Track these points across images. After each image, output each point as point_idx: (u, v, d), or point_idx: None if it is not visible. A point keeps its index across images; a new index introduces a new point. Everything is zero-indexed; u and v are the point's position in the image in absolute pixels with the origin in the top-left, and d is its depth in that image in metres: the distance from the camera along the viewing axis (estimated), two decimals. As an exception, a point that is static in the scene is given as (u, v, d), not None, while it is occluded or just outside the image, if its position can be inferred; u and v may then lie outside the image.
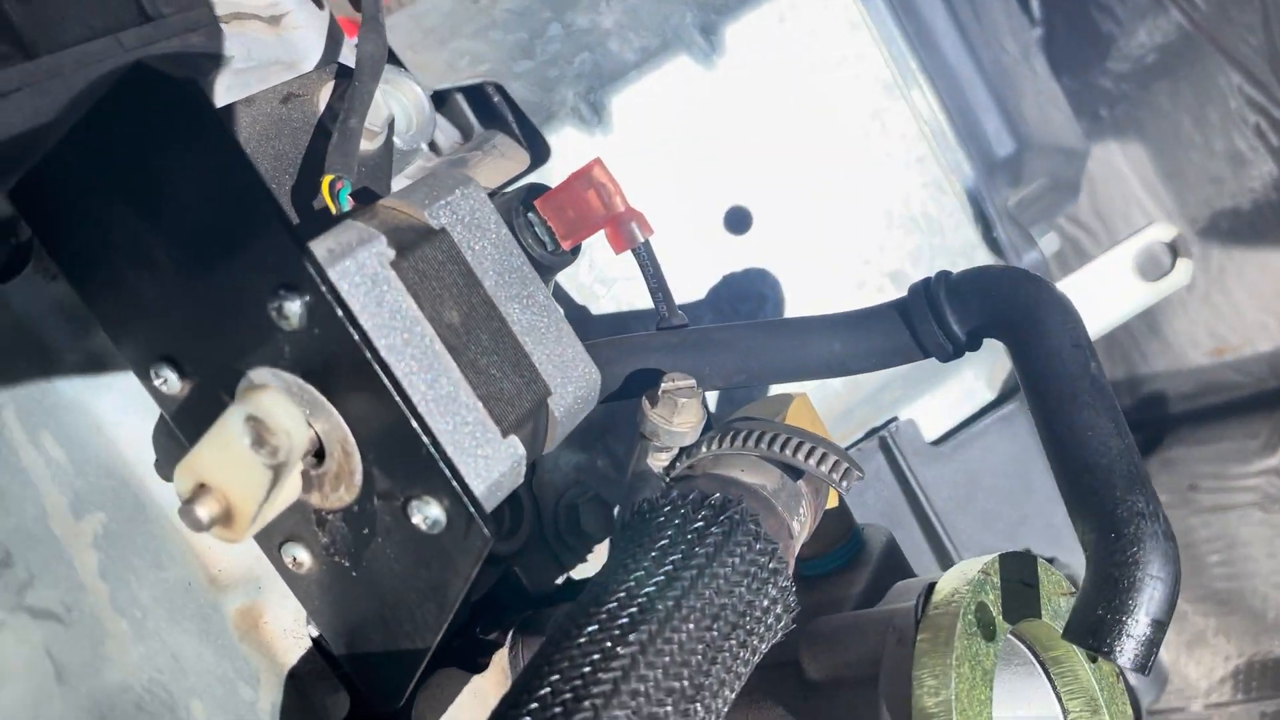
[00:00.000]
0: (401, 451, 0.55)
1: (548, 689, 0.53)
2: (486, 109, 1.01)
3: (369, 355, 0.53)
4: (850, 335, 0.73)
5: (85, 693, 0.49)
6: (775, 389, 0.84)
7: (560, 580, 0.93)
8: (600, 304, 0.96)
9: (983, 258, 1.03)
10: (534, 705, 0.52)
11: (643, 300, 0.98)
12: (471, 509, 0.55)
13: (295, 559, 0.63)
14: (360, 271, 0.55)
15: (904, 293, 0.74)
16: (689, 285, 0.98)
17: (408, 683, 0.65)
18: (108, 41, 0.72)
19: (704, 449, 0.70)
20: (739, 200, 1.00)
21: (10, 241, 0.69)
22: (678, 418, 0.68)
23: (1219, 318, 1.78)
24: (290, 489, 0.55)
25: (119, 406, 0.65)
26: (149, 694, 0.53)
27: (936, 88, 1.00)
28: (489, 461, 0.58)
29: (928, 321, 0.71)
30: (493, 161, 0.98)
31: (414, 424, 0.54)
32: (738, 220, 1.00)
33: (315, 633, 0.72)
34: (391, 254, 0.57)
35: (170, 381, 0.60)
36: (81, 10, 0.74)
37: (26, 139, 0.68)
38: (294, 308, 0.53)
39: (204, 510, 0.52)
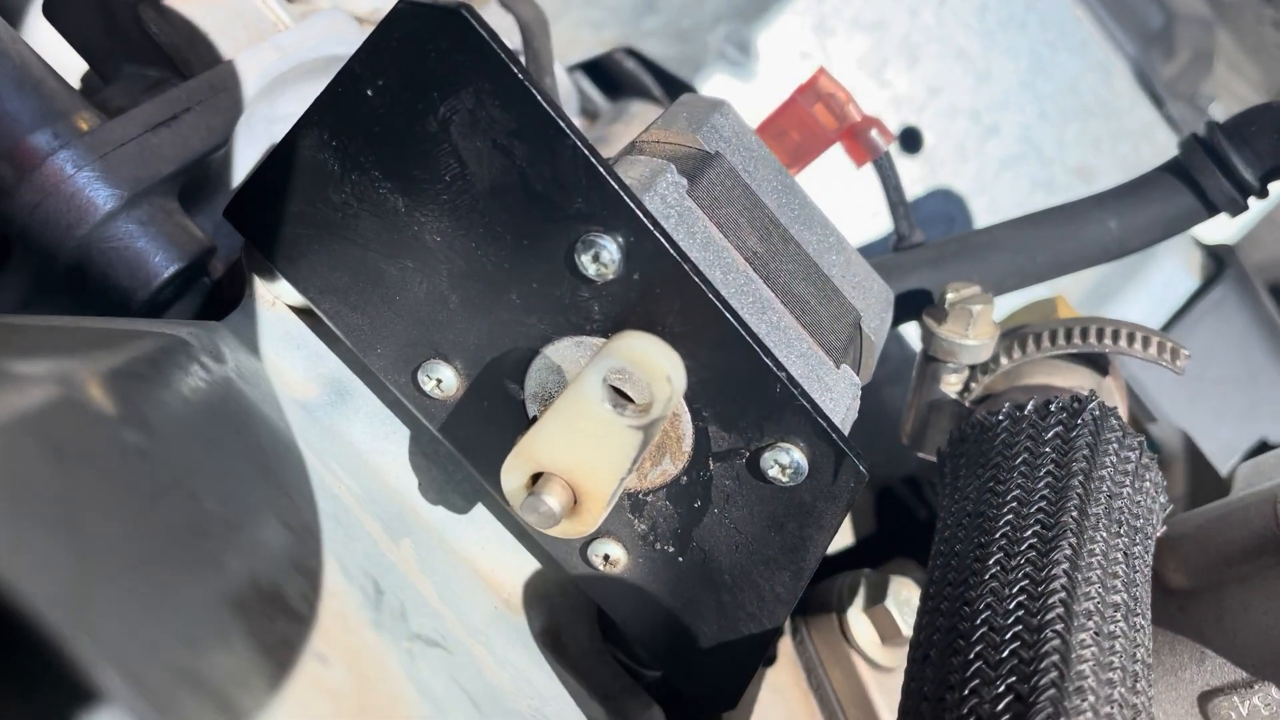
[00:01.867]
0: (747, 397, 0.48)
1: (984, 626, 0.46)
2: (610, 81, 0.94)
3: (708, 292, 0.46)
4: (1125, 209, 0.66)
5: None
6: (1024, 296, 0.77)
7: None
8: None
9: (1164, 136, 0.96)
10: (978, 646, 0.45)
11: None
12: (841, 444, 0.48)
13: (607, 557, 0.56)
14: (664, 203, 0.48)
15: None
16: (871, 217, 0.91)
17: (749, 674, 0.57)
18: (264, 48, 0.66)
19: (1003, 360, 0.63)
20: (907, 119, 0.93)
21: (204, 280, 0.63)
22: (974, 329, 0.61)
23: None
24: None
25: (369, 433, 0.58)
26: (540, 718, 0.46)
27: (1081, -36, 0.94)
28: (834, 395, 0.51)
29: (1212, 175, 0.64)
30: (635, 131, 0.92)
31: (765, 360, 0.47)
32: (910, 140, 0.93)
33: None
34: (684, 182, 0.50)
35: (446, 382, 0.53)
36: (223, 23, 0.67)
37: (208, 159, 0.62)
38: (610, 252, 0.46)
39: (554, 499, 0.45)
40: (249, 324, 0.57)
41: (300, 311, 0.58)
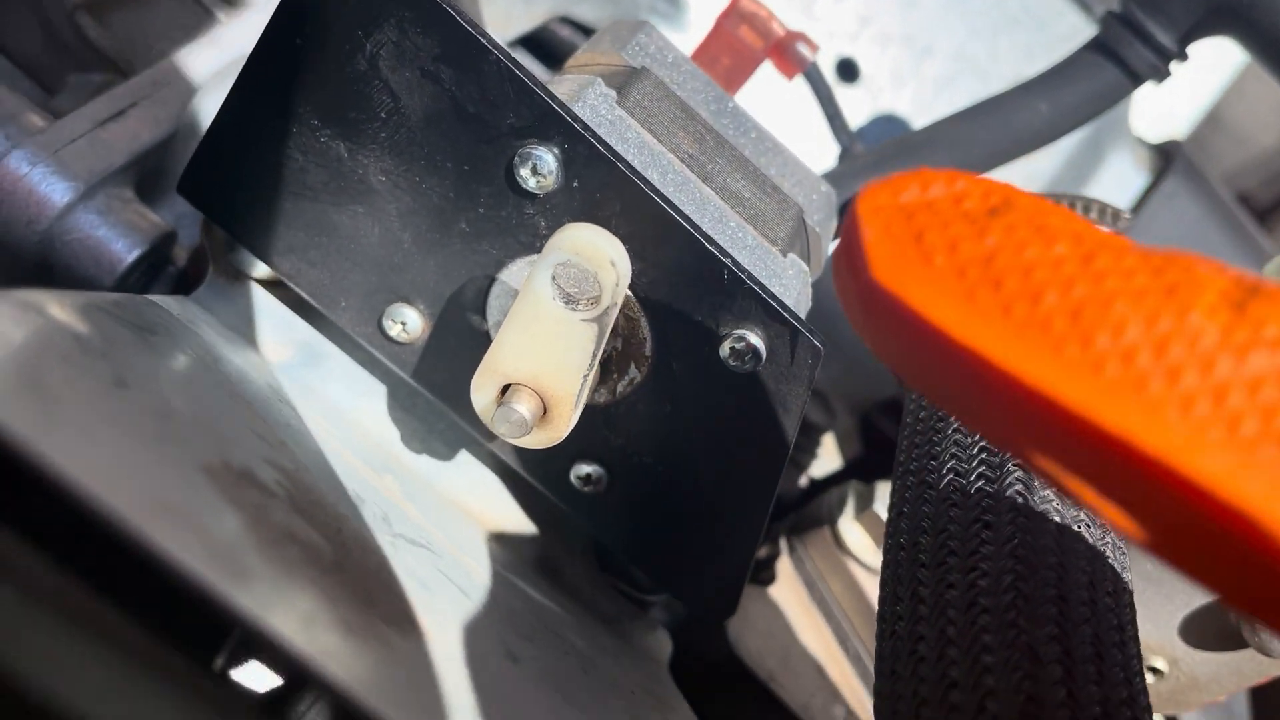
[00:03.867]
0: (698, 290, 0.50)
1: (949, 474, 0.47)
2: (551, 53, 0.96)
3: (645, 188, 0.47)
4: (1053, 91, 0.68)
5: (491, 610, 0.43)
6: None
7: (803, 481, 0.87)
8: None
9: (1095, 38, 0.98)
10: (943, 486, 0.46)
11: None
12: (795, 321, 0.49)
13: (590, 477, 0.57)
14: (595, 112, 0.50)
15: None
16: (820, 147, 0.93)
17: (743, 576, 0.59)
18: (203, 44, 0.68)
19: (951, 248, 0.65)
20: (842, 50, 0.95)
21: (170, 269, 0.64)
22: (919, 219, 0.63)
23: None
24: (594, 369, 0.49)
25: (347, 391, 0.59)
26: (536, 621, 0.47)
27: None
28: (783, 281, 0.53)
29: (1131, 45, 0.66)
30: (580, 98, 0.93)
31: (710, 249, 0.48)
32: (847, 71, 0.95)
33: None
34: (613, 94, 0.52)
35: (410, 324, 0.55)
36: (160, 25, 0.69)
37: (159, 151, 0.63)
38: (547, 162, 0.47)
39: (524, 407, 0.47)
40: (215, 297, 0.58)
41: (266, 283, 0.60)
